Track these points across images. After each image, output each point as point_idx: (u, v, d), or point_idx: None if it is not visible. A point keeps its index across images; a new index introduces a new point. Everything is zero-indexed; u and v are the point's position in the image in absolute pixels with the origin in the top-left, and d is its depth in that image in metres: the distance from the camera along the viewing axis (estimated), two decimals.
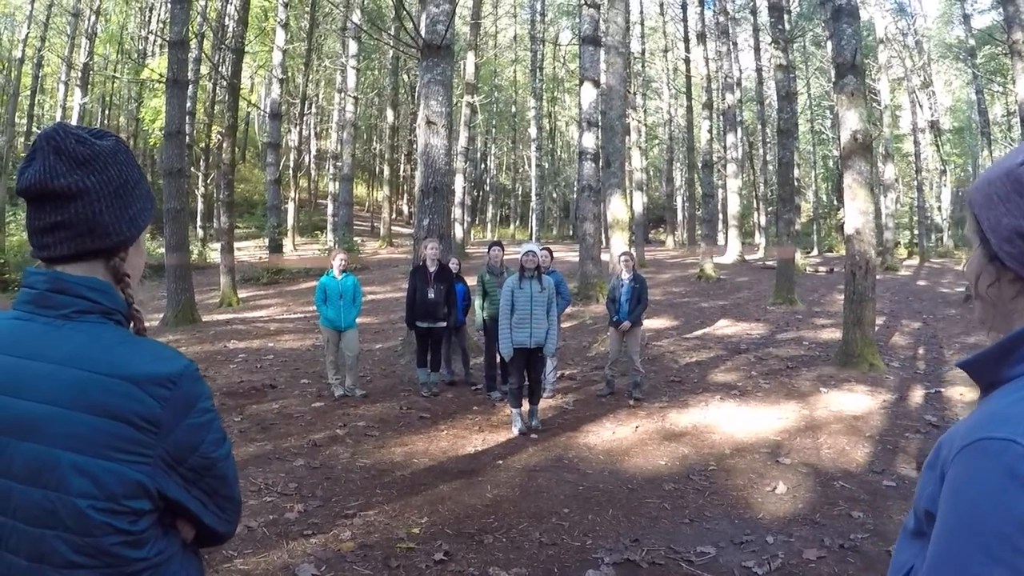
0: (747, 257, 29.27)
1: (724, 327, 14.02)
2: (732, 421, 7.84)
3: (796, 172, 24.07)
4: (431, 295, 9.06)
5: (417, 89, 31.45)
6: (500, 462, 6.62)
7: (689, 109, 33.58)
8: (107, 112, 38.99)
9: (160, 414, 1.26)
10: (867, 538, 4.82)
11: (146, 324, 1.46)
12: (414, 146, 35.00)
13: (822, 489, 5.82)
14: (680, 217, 45.84)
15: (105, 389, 1.24)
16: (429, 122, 10.91)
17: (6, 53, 34.92)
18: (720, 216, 40.49)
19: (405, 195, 52.24)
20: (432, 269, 9.16)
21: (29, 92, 32.38)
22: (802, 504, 5.51)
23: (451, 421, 8.05)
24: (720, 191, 38.70)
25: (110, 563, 1.24)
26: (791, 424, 7.73)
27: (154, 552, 1.30)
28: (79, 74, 29.14)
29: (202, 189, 32.31)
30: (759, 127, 39.24)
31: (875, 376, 9.71)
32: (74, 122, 25.79)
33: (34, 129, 31.75)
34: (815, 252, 36.33)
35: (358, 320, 9.25)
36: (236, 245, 20.92)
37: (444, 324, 9.19)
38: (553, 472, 6.31)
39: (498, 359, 8.85)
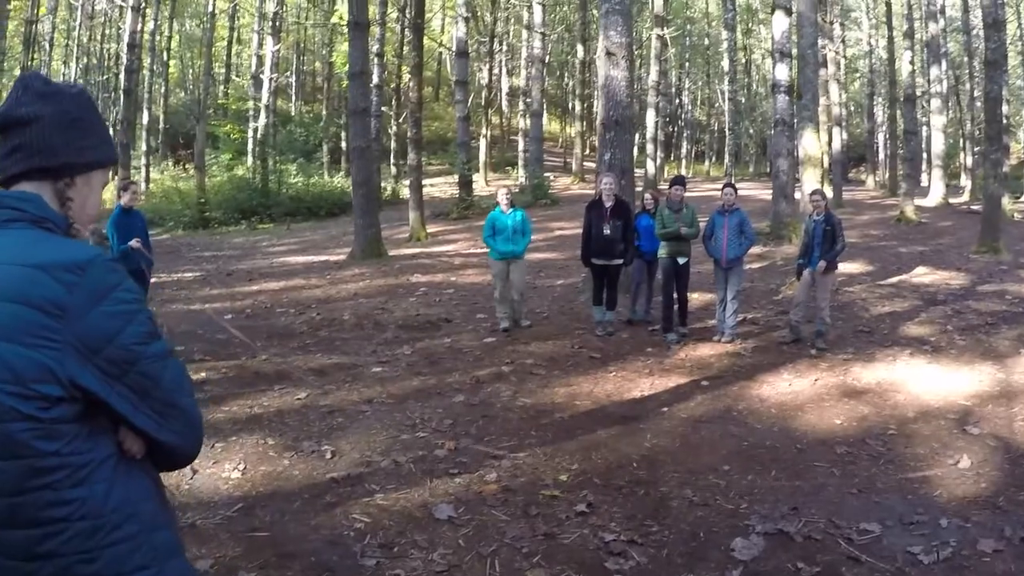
0: (951, 200, 26.47)
1: (921, 275, 12.69)
2: (920, 381, 6.99)
3: (1005, 108, 21.37)
4: (607, 231, 8.72)
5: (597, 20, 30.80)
6: (664, 410, 6.29)
7: (890, 40, 30.71)
8: (302, 58, 41.06)
9: (67, 299, 1.30)
10: None
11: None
12: None
13: (1011, 468, 5.00)
14: (881, 156, 42.44)
15: (19, 277, 1.30)
16: (609, 53, 10.47)
17: (202, 8, 37.41)
18: (923, 155, 37.04)
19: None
20: (608, 204, 8.78)
21: (226, 43, 34.48)
22: (985, 484, 4.75)
23: (621, 363, 7.79)
24: (923, 128, 35.39)
25: (18, 454, 1.27)
26: (984, 389, 6.76)
27: (68, 449, 1.31)
28: (271, 23, 30.56)
29: (394, 128, 33.28)
30: (966, 59, 35.21)
31: None
32: (267, 69, 28.29)
33: (233, 77, 34.02)
34: None
35: (540, 256, 9.15)
36: (429, 181, 21.49)
37: (621, 261, 8.85)
38: (719, 424, 5.92)
39: (675, 298, 8.63)
